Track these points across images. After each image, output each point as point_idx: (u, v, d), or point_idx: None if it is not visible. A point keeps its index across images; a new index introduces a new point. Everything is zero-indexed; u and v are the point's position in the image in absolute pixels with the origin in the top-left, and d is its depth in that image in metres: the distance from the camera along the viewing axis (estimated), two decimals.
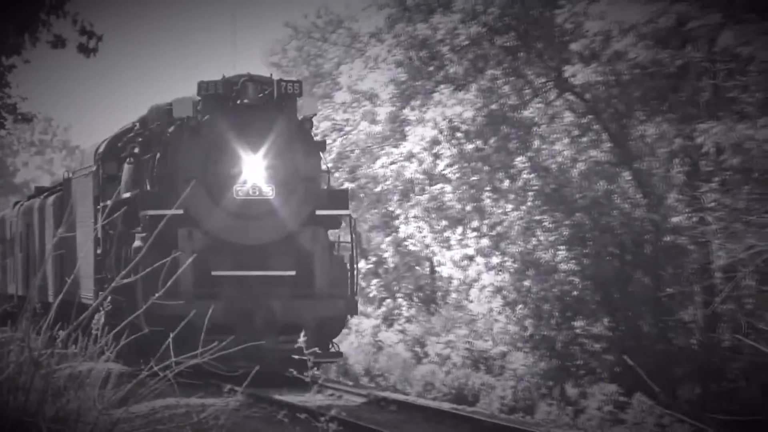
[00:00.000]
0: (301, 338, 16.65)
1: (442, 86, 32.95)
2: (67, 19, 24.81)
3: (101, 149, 29.55)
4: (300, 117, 25.46)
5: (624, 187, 30.93)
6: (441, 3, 33.46)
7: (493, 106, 32.44)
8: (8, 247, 41.16)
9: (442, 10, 33.45)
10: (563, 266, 30.17)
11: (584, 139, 31.45)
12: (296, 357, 18.92)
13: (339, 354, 27.06)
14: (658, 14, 26.42)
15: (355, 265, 26.12)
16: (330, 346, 25.01)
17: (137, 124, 27.79)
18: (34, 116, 32.45)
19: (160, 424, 13.70)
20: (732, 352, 27.46)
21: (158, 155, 25.70)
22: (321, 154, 26.17)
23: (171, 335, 14.75)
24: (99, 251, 28.34)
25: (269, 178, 24.33)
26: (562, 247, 30.64)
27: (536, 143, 30.13)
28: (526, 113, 30.97)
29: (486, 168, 32.95)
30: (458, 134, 32.89)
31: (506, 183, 33.14)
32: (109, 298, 17.41)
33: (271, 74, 27.16)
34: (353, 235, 26.31)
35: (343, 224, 27.35)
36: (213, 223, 24.06)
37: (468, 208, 34.32)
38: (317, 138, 27.20)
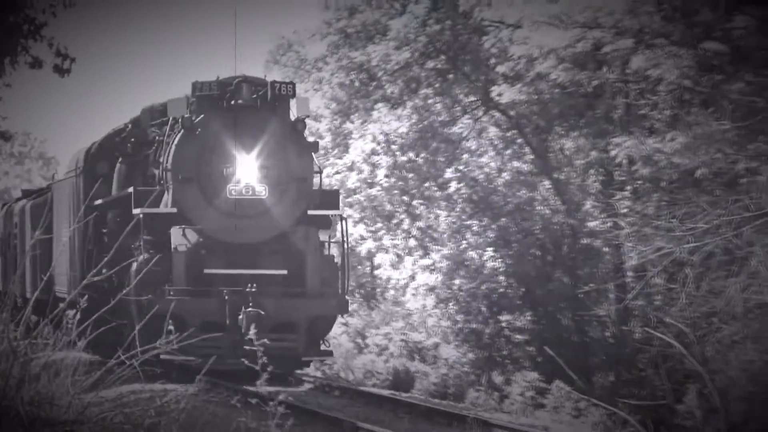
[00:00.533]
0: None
1: (380, 104, 32.79)
2: (43, 42, 23.55)
3: (93, 149, 27.77)
4: (293, 118, 23.50)
5: (544, 195, 31.11)
6: (378, 30, 32.88)
7: (426, 122, 32.41)
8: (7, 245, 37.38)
9: (380, 37, 33.08)
10: (490, 265, 30.12)
11: (508, 151, 31.71)
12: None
13: (329, 353, 25.30)
14: (576, 39, 26.43)
15: (346, 264, 24.42)
16: (321, 344, 23.33)
17: (129, 125, 26.44)
18: (12, 135, 30.56)
19: (127, 407, 13.87)
20: (642, 343, 27.48)
21: (152, 154, 24.40)
22: (313, 154, 24.15)
23: (137, 327, 15.72)
24: (90, 247, 26.73)
25: (262, 177, 22.47)
26: (489, 249, 30.74)
27: (465, 156, 29.99)
28: (455, 129, 31.12)
29: (414, 177, 33.01)
30: (393, 147, 32.70)
31: (437, 191, 32.99)
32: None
33: (265, 75, 25.44)
34: (345, 235, 24.53)
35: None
36: (206, 222, 22.31)
37: (401, 212, 34.17)
38: (310, 139, 25.24)
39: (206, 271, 22.05)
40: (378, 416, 19.97)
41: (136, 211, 22.48)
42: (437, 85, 29.93)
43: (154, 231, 22.43)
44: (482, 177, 30.04)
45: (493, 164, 30.94)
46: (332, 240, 25.41)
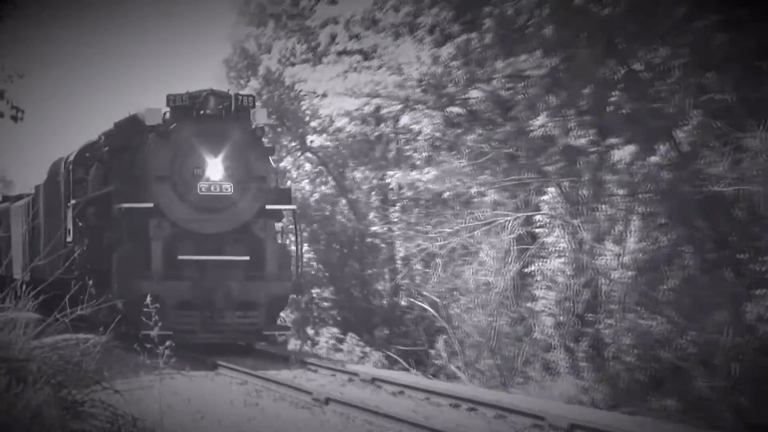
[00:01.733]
0: None
1: None
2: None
3: (71, 158, 24.02)
4: (253, 126, 20.11)
5: (342, 209, 31.17)
6: None
7: None
8: None
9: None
10: (307, 256, 28.55)
11: (318, 180, 31.68)
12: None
13: (287, 327, 23.49)
14: (363, 104, 26.70)
15: (299, 251, 21.43)
16: (277, 319, 20.30)
17: (102, 137, 22.82)
18: None
19: (60, 349, 12.46)
20: (407, 309, 28.07)
21: (130, 157, 21.01)
22: (270, 158, 21.06)
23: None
24: (69, 239, 23.03)
25: (227, 176, 19.14)
26: (305, 245, 28.64)
27: (288, 182, 28.87)
28: (282, 164, 30.18)
29: None
30: None
31: None
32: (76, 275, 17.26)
33: (229, 89, 22.79)
34: (297, 226, 21.83)
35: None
36: (179, 214, 19.06)
37: None
38: (267, 144, 22.08)
39: (179, 257, 18.93)
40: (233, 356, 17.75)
41: (117, 205, 19.63)
42: (270, 135, 28.19)
43: (133, 223, 19.28)
44: (300, 196, 29.76)
45: (307, 188, 31.39)
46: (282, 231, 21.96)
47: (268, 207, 19.40)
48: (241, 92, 22.23)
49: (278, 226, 20.37)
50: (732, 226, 17.35)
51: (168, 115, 19.05)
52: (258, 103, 21.76)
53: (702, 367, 16.37)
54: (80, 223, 22.25)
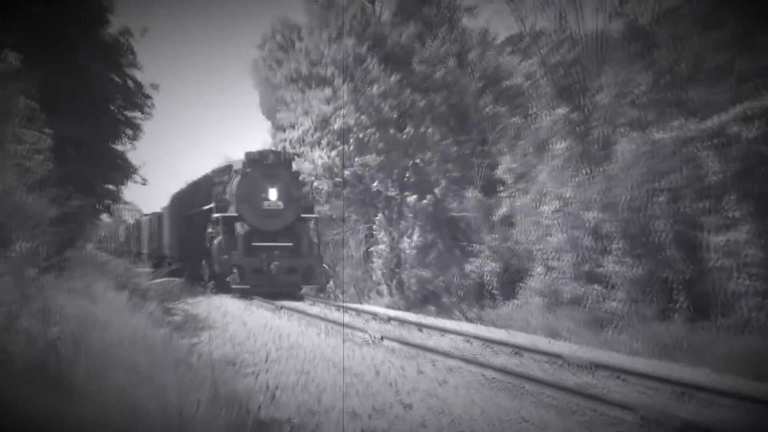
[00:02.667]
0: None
1: None
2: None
3: (181, 191, 35.16)
4: (293, 169, 27.60)
5: None
6: None
7: None
8: (139, 237, 48.41)
9: None
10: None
11: None
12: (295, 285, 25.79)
13: (315, 284, 28.17)
14: None
15: (319, 241, 27.80)
16: (309, 279, 26.39)
17: (210, 174, 30.24)
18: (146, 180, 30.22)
19: (163, 284, 22.94)
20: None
21: (225, 188, 27.54)
22: (302, 188, 28.48)
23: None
24: (182, 234, 32.03)
25: (279, 198, 26.15)
26: None
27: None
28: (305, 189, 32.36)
29: None
30: None
31: None
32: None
33: (282, 148, 32.07)
34: (318, 226, 28.11)
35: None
36: (252, 219, 25.83)
37: None
38: (301, 179, 29.31)
39: (253, 243, 25.34)
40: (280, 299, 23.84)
41: (217, 214, 26.19)
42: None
43: (226, 225, 25.93)
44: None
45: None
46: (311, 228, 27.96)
47: (302, 215, 26.56)
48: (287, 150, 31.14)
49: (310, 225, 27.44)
50: (459, 231, 30.36)
51: (246, 163, 26.44)
52: (295, 157, 30.16)
53: (445, 292, 28.64)
54: (188, 226, 30.70)
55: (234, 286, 24.61)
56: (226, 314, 20.55)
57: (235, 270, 24.55)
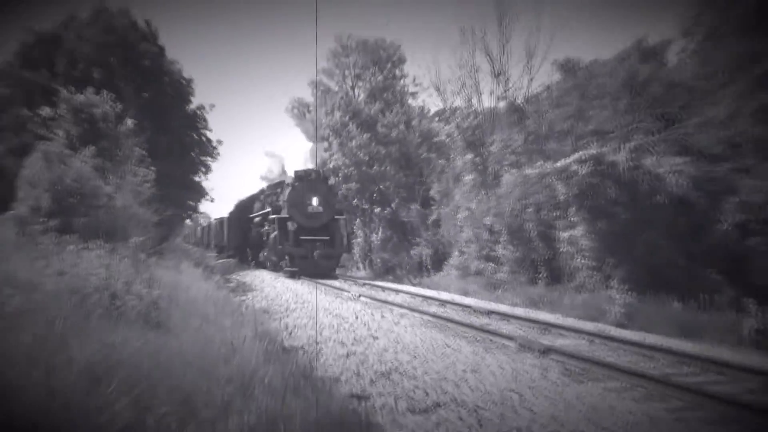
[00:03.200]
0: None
1: None
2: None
3: (244, 199, 40.74)
4: (330, 183, 32.33)
5: None
6: None
7: None
8: (209, 234, 56.93)
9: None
10: None
11: None
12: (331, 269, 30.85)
13: (342, 266, 33.55)
14: None
15: (348, 236, 32.28)
16: (338, 264, 30.71)
17: (264, 188, 36.19)
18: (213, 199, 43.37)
19: (223, 263, 33.22)
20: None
21: (279, 197, 31.65)
22: (335, 197, 32.28)
23: (286, 258, 29.96)
24: (244, 232, 38.44)
25: (320, 204, 29.71)
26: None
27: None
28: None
29: None
30: None
31: None
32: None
33: (321, 170, 34.72)
34: (346, 224, 31.88)
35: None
36: (300, 220, 29.32)
37: None
38: (334, 191, 33.75)
39: (301, 237, 29.21)
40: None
41: (272, 216, 30.71)
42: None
43: (280, 224, 29.91)
44: None
45: None
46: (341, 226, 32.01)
47: (336, 217, 30.98)
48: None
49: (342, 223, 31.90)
50: (407, 230, 37.69)
51: (295, 178, 30.95)
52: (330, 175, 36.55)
53: (399, 267, 35.45)
54: (250, 225, 36.28)
55: (286, 269, 29.15)
56: (263, 281, 26.41)
57: (286, 257, 29.34)
